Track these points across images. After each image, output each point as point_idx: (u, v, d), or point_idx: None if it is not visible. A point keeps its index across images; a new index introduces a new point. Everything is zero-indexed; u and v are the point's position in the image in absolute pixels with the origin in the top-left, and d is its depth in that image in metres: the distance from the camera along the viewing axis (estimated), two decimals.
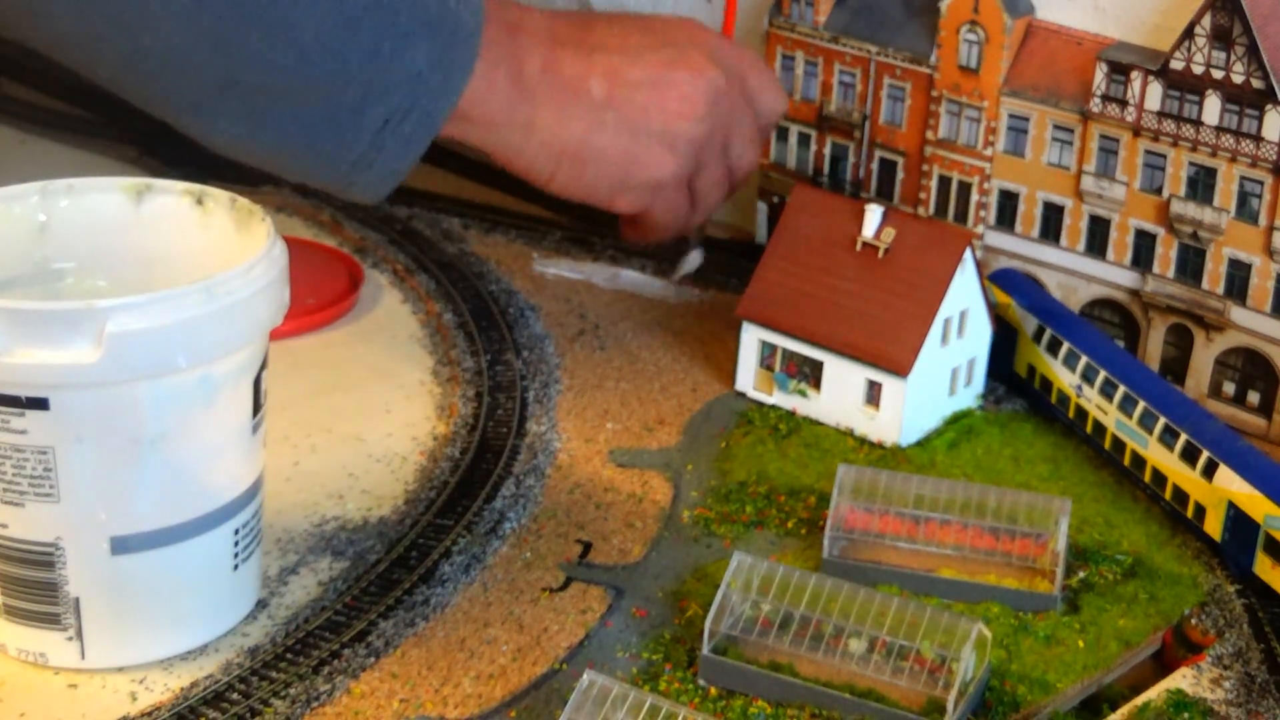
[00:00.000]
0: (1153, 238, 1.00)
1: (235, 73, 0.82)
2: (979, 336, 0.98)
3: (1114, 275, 1.03)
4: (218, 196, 0.79)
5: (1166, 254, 1.00)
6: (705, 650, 0.75)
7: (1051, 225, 1.05)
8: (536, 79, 0.92)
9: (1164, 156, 0.98)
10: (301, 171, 0.88)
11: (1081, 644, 0.79)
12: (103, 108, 1.31)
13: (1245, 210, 0.96)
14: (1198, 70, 0.95)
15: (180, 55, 0.81)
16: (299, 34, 0.81)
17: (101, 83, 0.85)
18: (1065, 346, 0.96)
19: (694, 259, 1.13)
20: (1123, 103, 0.99)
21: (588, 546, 0.85)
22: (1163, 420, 0.89)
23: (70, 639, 0.74)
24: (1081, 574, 0.83)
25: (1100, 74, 0.99)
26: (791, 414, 0.97)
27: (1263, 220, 0.95)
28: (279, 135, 0.85)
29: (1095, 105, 1.00)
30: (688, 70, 0.96)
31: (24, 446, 0.69)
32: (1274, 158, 0.94)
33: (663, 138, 0.95)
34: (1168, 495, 0.89)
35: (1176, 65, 0.96)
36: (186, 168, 1.07)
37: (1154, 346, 1.02)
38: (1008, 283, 1.02)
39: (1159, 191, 0.99)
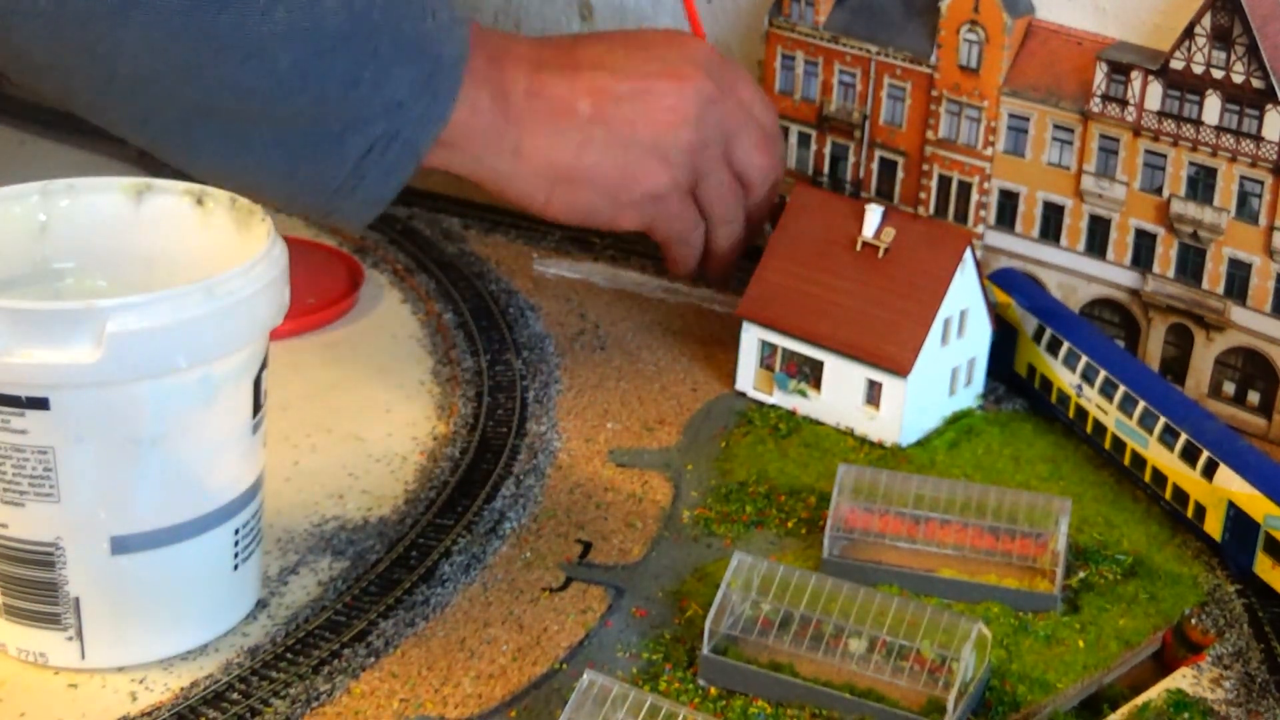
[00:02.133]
0: (1153, 237, 1.00)
1: (211, 100, 0.82)
2: (979, 336, 0.98)
3: (1114, 275, 1.03)
4: (218, 196, 0.79)
5: (1166, 254, 1.00)
6: (705, 650, 0.75)
7: (1051, 225, 1.05)
8: (522, 103, 0.91)
9: (1164, 156, 0.98)
10: (283, 198, 0.87)
11: (1081, 644, 0.79)
12: None
13: (1245, 210, 0.96)
14: (1198, 70, 0.95)
15: (155, 84, 0.81)
16: (275, 62, 0.81)
17: (79, 112, 0.85)
18: (1065, 346, 0.96)
19: None
20: (1123, 103, 0.99)
21: (588, 546, 0.85)
22: (1163, 420, 0.89)
23: (70, 639, 0.74)
24: (1081, 574, 0.83)
25: (1100, 74, 0.99)
26: (791, 414, 0.98)
27: (1263, 220, 0.95)
28: (259, 162, 0.85)
29: (1095, 105, 1.00)
30: (673, 79, 0.95)
31: (24, 446, 0.69)
32: (1274, 158, 0.94)
33: (654, 148, 0.95)
34: (1168, 495, 0.89)
35: (1176, 65, 0.96)
36: None
37: (1154, 346, 1.02)
38: (1008, 283, 1.02)
39: (1159, 191, 0.99)
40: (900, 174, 1.11)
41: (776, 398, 0.98)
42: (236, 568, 0.76)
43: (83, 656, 0.74)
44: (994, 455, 0.95)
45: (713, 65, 0.98)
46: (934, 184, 1.09)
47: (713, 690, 0.74)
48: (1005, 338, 1.00)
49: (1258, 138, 0.94)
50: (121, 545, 0.72)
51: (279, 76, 0.81)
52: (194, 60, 0.80)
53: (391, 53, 0.84)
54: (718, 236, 1.03)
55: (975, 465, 0.93)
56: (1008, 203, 1.06)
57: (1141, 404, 0.90)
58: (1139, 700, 0.75)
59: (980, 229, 1.08)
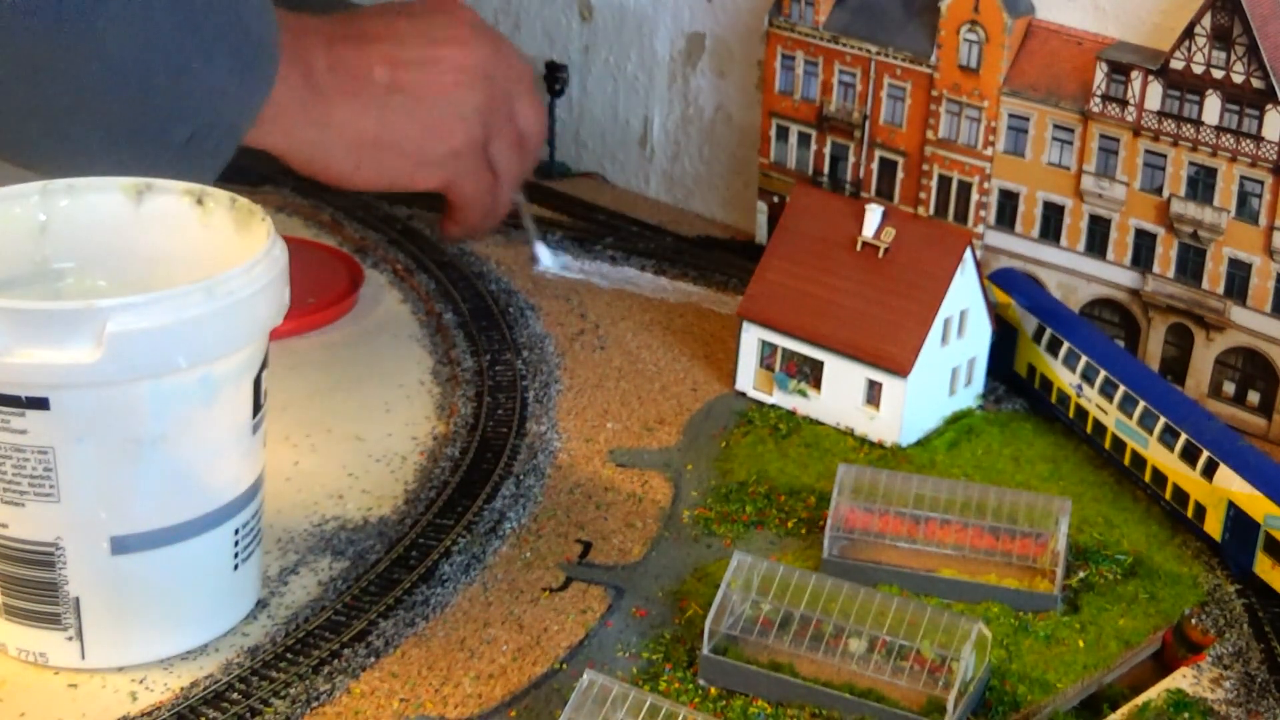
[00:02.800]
0: (1153, 237, 1.00)
1: (44, 97, 0.84)
2: (979, 336, 0.98)
3: (1114, 275, 1.03)
4: (218, 196, 0.79)
5: (1166, 254, 1.00)
6: (705, 650, 0.75)
7: (1051, 225, 1.05)
8: (324, 77, 0.95)
9: (1164, 156, 0.98)
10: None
11: (1081, 644, 0.79)
12: None
13: (1245, 210, 0.96)
14: (1198, 70, 0.95)
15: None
16: (108, 55, 0.83)
17: None
18: (1065, 346, 0.96)
19: (544, 254, 1.16)
20: (1123, 102, 0.99)
21: (588, 546, 0.85)
22: (1163, 420, 0.89)
23: (70, 639, 0.74)
24: (1081, 574, 0.83)
25: (1100, 74, 0.99)
26: (791, 414, 0.97)
27: (1263, 220, 0.95)
28: (88, 152, 0.87)
29: (1095, 105, 1.00)
30: (456, 44, 1.00)
31: (24, 446, 0.69)
32: (1274, 157, 0.94)
33: (448, 108, 1.00)
34: (1168, 495, 0.89)
35: (1176, 65, 0.96)
36: None
37: (1154, 346, 1.02)
38: (1008, 283, 1.02)
39: (1159, 191, 0.99)
40: (900, 174, 1.11)
41: (776, 398, 0.98)
42: (236, 568, 0.76)
43: (83, 656, 0.74)
44: (994, 455, 0.95)
45: (483, 30, 1.04)
46: (934, 184, 1.09)
47: (713, 690, 0.74)
48: (1005, 338, 1.00)
49: (1258, 138, 0.94)
50: (121, 545, 0.72)
51: (111, 68, 0.84)
52: (29, 58, 0.82)
53: (215, 38, 0.87)
54: (502, 193, 1.07)
55: (975, 465, 0.93)
56: (1008, 203, 1.06)
57: (1141, 404, 0.90)
58: (1139, 700, 0.75)
59: (980, 229, 1.08)
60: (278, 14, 0.93)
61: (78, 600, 0.73)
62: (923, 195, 1.10)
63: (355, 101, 0.96)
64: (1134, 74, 0.98)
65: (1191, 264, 0.99)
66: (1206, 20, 0.94)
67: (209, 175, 0.89)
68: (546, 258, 1.16)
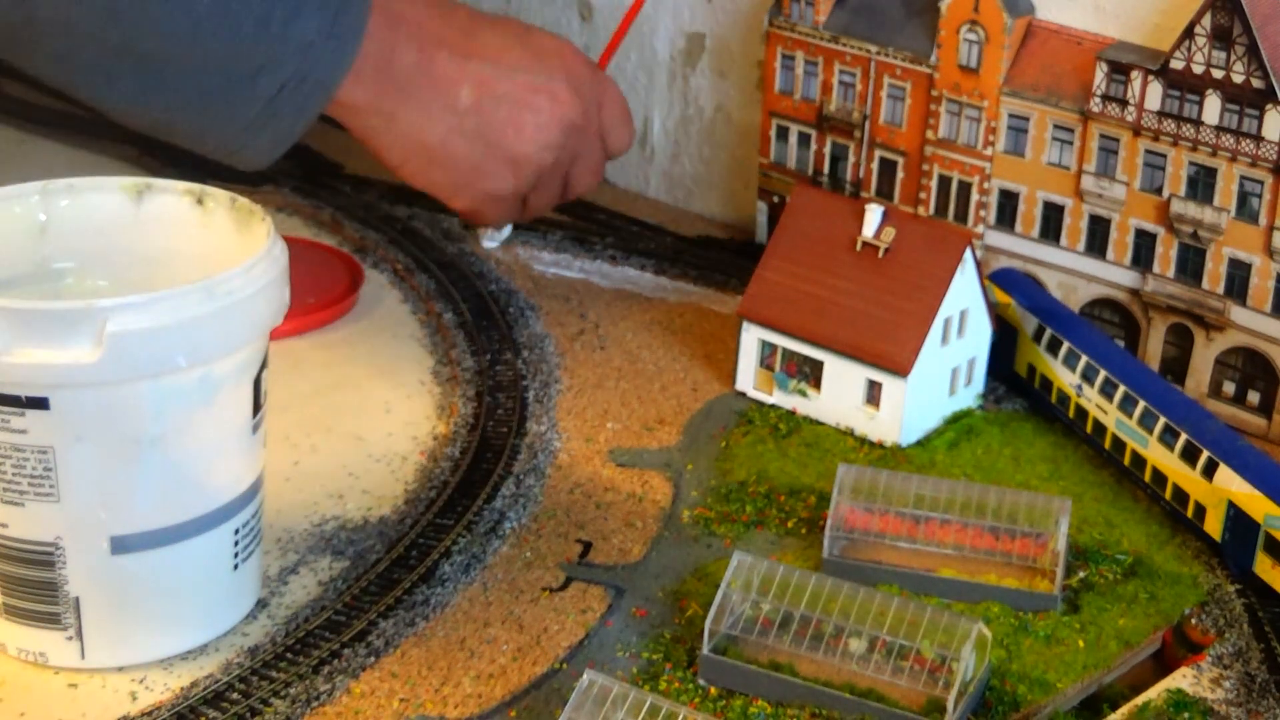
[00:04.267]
0: (1153, 237, 1.00)
1: (130, 40, 0.84)
2: (979, 336, 0.98)
3: (1114, 275, 1.03)
4: (218, 196, 0.79)
5: (1166, 254, 1.00)
6: (705, 650, 0.75)
7: (1051, 225, 1.05)
8: (409, 74, 0.94)
9: (1164, 156, 0.98)
10: (193, 136, 0.90)
11: (1081, 644, 0.79)
12: None
13: (1245, 210, 0.96)
14: (1198, 70, 0.95)
15: (76, 25, 0.83)
16: (194, 3, 0.83)
17: None
18: (1065, 346, 0.96)
19: (505, 232, 1.18)
20: (1123, 102, 0.99)
21: (588, 546, 0.85)
22: (1163, 420, 0.89)
23: (70, 639, 0.74)
24: (1081, 574, 0.83)
25: (1100, 74, 0.99)
26: (791, 414, 0.97)
27: (1263, 220, 0.95)
28: (174, 102, 0.87)
29: (1095, 105, 1.00)
30: (551, 98, 0.99)
31: (24, 446, 0.69)
32: (1274, 157, 0.94)
33: (511, 157, 0.99)
34: (1168, 495, 0.89)
35: (1176, 65, 0.96)
36: (186, 167, 1.07)
37: (1154, 346, 1.02)
38: (1008, 282, 1.02)
39: (1159, 191, 0.99)
40: (900, 174, 1.11)
41: (776, 398, 0.98)
42: (236, 568, 0.76)
43: (83, 656, 0.74)
44: (994, 455, 0.95)
45: (588, 90, 1.02)
46: (934, 184, 1.09)
47: (713, 690, 0.74)
48: (1005, 338, 1.00)
49: (1258, 138, 0.94)
50: (121, 545, 0.72)
51: (197, 17, 0.84)
52: (116, 3, 0.82)
53: None
54: (523, 218, 1.08)
55: (975, 465, 0.93)
56: (1008, 203, 1.06)
57: (1141, 404, 0.90)
58: (1139, 700, 0.75)
59: (980, 229, 1.08)
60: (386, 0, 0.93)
61: (78, 600, 0.73)
62: (923, 195, 1.10)
63: (427, 110, 0.95)
64: (1134, 74, 0.98)
65: (1191, 264, 0.99)
66: (1206, 20, 0.94)
67: (291, 134, 0.89)
68: (500, 235, 1.18)
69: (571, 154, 1.02)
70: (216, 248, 0.77)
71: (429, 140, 0.96)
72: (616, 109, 1.05)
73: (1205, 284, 0.99)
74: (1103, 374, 0.93)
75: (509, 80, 0.97)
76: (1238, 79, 0.94)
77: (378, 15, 0.91)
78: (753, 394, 1.00)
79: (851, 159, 1.13)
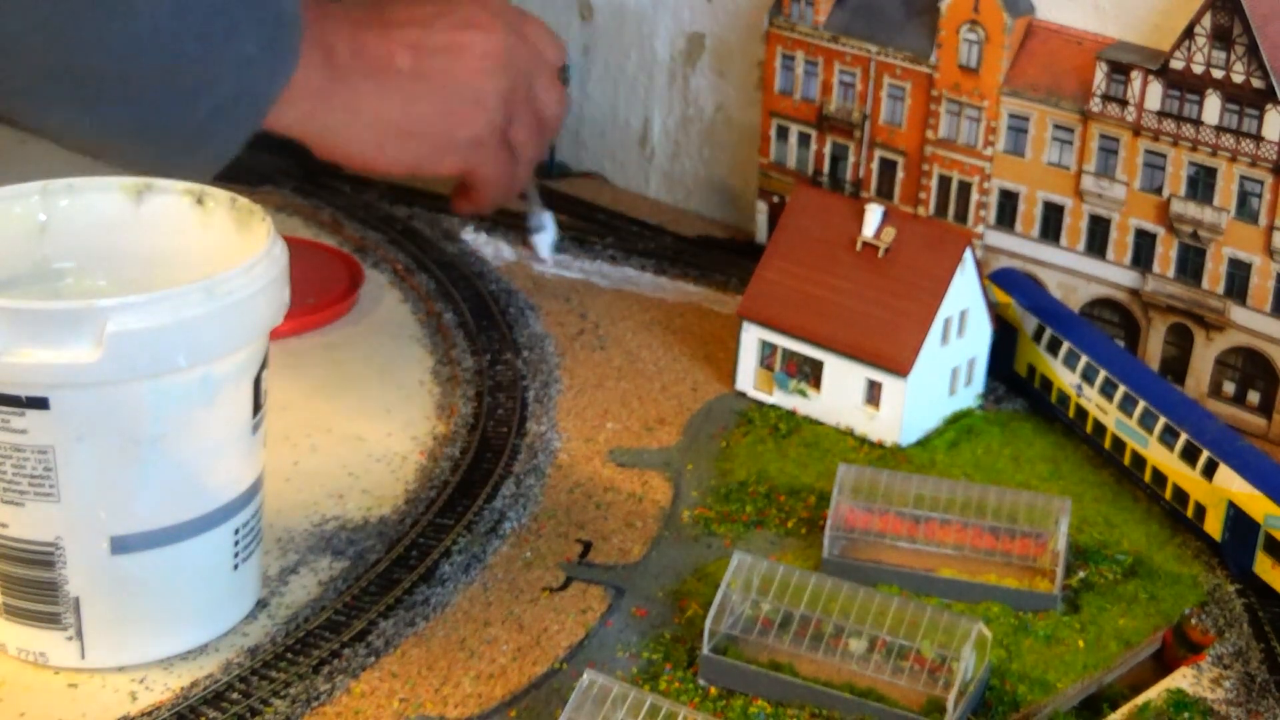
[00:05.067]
0: (1153, 237, 1.00)
1: (71, 58, 0.84)
2: (979, 336, 0.98)
3: (1114, 275, 1.03)
4: (218, 196, 0.79)
5: (1166, 253, 1.00)
6: (705, 650, 0.75)
7: (1051, 225, 1.05)
8: (348, 62, 0.95)
9: (1164, 156, 0.98)
10: (127, 156, 0.89)
11: (1081, 644, 0.79)
12: None
13: (1245, 210, 0.96)
14: (1198, 70, 0.95)
15: (15, 41, 0.83)
16: (135, 20, 0.83)
17: None
18: (1065, 346, 0.96)
19: (548, 233, 1.17)
20: (1123, 102, 0.99)
21: (588, 546, 0.85)
22: (1163, 420, 0.89)
23: (70, 638, 0.74)
24: (1081, 574, 0.83)
25: (1100, 74, 0.99)
26: (791, 414, 0.97)
27: (1263, 220, 0.95)
28: (109, 121, 0.87)
29: (1095, 105, 1.00)
30: (480, 30, 1.00)
31: (24, 446, 0.69)
32: (1274, 157, 0.94)
33: (471, 95, 0.99)
34: (1168, 495, 0.89)
35: (1176, 65, 0.96)
36: None
37: (1154, 346, 1.02)
38: (1008, 282, 1.02)
39: (1159, 191, 0.99)
40: (900, 174, 1.11)
41: (776, 398, 0.98)
42: (236, 568, 0.76)
43: (83, 656, 0.74)
44: (994, 455, 0.95)
45: (508, 13, 1.03)
46: (934, 184, 1.09)
47: (713, 690, 0.74)
48: (1005, 338, 1.00)
49: (1258, 137, 0.94)
50: (121, 545, 0.72)
51: (139, 34, 0.84)
52: (58, 18, 0.82)
53: (239, 9, 0.87)
54: (519, 173, 1.07)
55: (975, 465, 0.93)
56: (1007, 202, 1.06)
57: (1141, 404, 0.90)
58: (1139, 700, 0.75)
59: (980, 229, 1.08)
60: None
61: (78, 600, 0.73)
62: (923, 195, 1.10)
63: (379, 87, 0.96)
64: (1134, 74, 0.98)
65: (1191, 264, 0.99)
66: (1206, 20, 0.94)
67: (229, 151, 0.89)
68: (545, 248, 1.16)
69: (523, 73, 1.03)
70: (216, 248, 0.77)
71: (392, 115, 0.97)
72: (535, 24, 1.07)
73: (1205, 284, 0.99)
74: (1103, 374, 0.93)
75: (435, 31, 0.99)
76: (1238, 79, 0.94)
77: (309, 16, 0.92)
78: (753, 394, 1.00)
79: (851, 159, 1.13)
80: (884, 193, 1.12)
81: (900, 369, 0.93)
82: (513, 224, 1.19)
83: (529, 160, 1.06)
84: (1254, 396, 0.98)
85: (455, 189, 1.06)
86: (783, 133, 1.16)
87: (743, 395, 1.00)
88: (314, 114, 0.94)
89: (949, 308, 0.94)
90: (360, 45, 0.96)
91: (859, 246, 0.96)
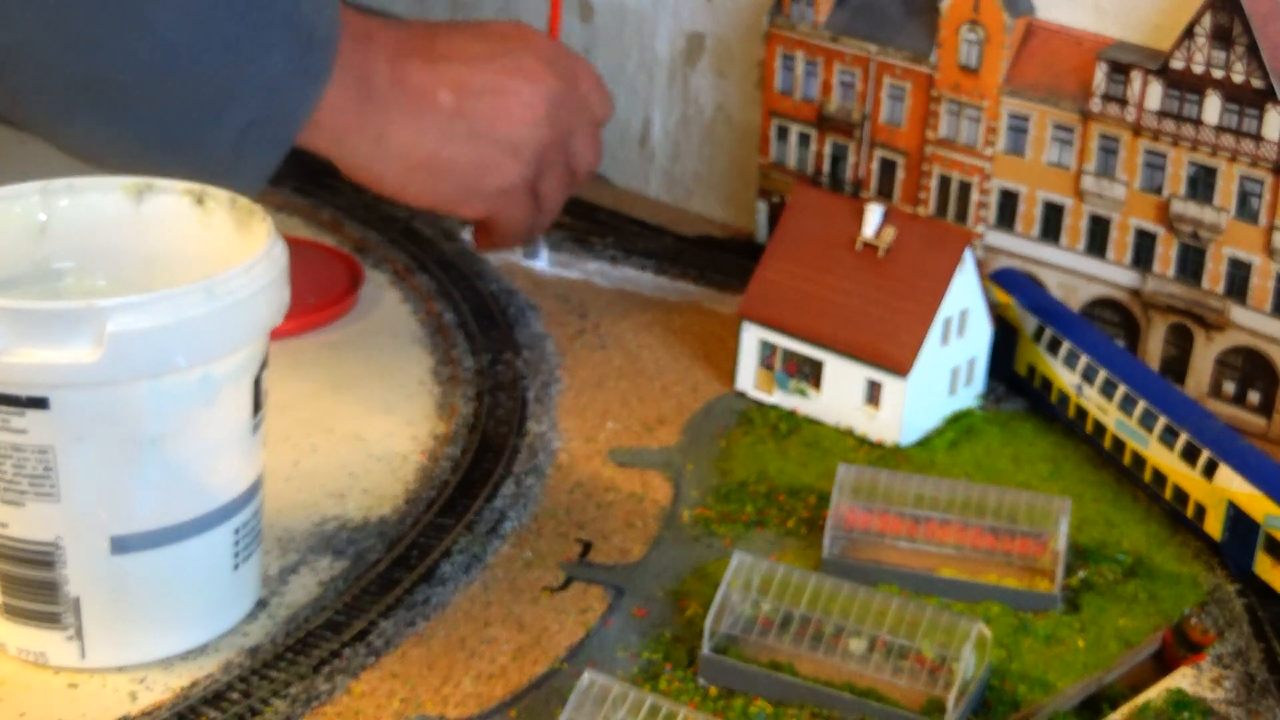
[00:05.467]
0: (1153, 237, 1.00)
1: (93, 71, 0.83)
2: (979, 336, 0.98)
3: (1114, 275, 1.03)
4: (218, 196, 0.79)
5: (1166, 253, 1.00)
6: (705, 650, 0.75)
7: (1051, 225, 1.05)
8: (386, 90, 0.93)
9: (1164, 156, 0.98)
10: (164, 172, 0.88)
11: (1082, 643, 0.79)
12: None
13: (1245, 210, 0.96)
14: (1198, 70, 0.95)
15: (40, 53, 0.82)
16: (158, 32, 0.82)
17: None
18: (1065, 346, 0.96)
19: (540, 260, 1.17)
20: (1123, 102, 0.99)
21: (588, 546, 0.85)
22: (1163, 420, 0.89)
23: (70, 638, 0.74)
24: (1082, 573, 0.83)
25: (1100, 74, 0.99)
26: (792, 413, 0.98)
27: (1263, 219, 0.95)
28: (133, 135, 0.86)
29: (1095, 105, 1.00)
30: (527, 78, 0.98)
31: (24, 446, 0.69)
32: (1274, 157, 0.94)
33: (508, 145, 0.97)
34: (1168, 495, 0.89)
35: (1176, 65, 0.96)
36: None
37: (1154, 346, 1.02)
38: (1008, 282, 1.02)
39: (1159, 191, 0.99)
40: (900, 174, 1.11)
41: (776, 397, 0.98)
42: (236, 567, 0.76)
43: (83, 656, 0.74)
44: (994, 455, 0.95)
45: (560, 63, 1.01)
46: (934, 184, 1.09)
47: (713, 690, 0.74)
48: (1005, 338, 1.00)
49: (1258, 137, 0.94)
50: (121, 545, 0.72)
51: (162, 47, 0.82)
52: (82, 28, 0.81)
53: (267, 27, 0.85)
54: (542, 221, 1.06)
55: (975, 465, 0.93)
56: (1008, 202, 1.06)
57: (1141, 403, 0.90)
58: (1139, 700, 0.75)
59: (980, 229, 1.08)
60: (346, 15, 0.92)
61: (78, 600, 0.73)
62: (923, 195, 1.10)
63: (415, 121, 0.94)
64: (1134, 74, 0.98)
65: (1191, 264, 0.99)
66: (1206, 20, 0.94)
67: (263, 173, 0.88)
68: (536, 264, 1.16)
69: (564, 127, 1.00)
70: (216, 248, 0.78)
71: (424, 151, 0.95)
72: (589, 77, 1.04)
73: (1205, 284, 0.99)
74: (1103, 374, 0.93)
75: (481, 72, 0.97)
76: (1238, 79, 0.94)
77: (346, 36, 0.90)
78: (753, 394, 1.00)
79: (851, 159, 1.13)
80: (884, 193, 1.12)
81: (900, 369, 0.93)
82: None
83: (552, 210, 1.05)
84: (1254, 396, 0.98)
85: (476, 227, 1.05)
86: (783, 133, 1.16)
87: (743, 395, 1.00)
88: (344, 138, 0.92)
89: (949, 308, 0.94)
90: (401, 75, 0.94)
91: (859, 246, 0.96)
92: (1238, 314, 0.98)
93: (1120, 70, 0.99)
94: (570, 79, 1.01)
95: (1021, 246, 1.06)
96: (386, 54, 0.94)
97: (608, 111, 1.06)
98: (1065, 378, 0.96)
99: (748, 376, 0.99)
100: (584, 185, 1.08)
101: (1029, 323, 0.99)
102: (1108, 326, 1.04)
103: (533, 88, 0.98)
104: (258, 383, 0.74)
